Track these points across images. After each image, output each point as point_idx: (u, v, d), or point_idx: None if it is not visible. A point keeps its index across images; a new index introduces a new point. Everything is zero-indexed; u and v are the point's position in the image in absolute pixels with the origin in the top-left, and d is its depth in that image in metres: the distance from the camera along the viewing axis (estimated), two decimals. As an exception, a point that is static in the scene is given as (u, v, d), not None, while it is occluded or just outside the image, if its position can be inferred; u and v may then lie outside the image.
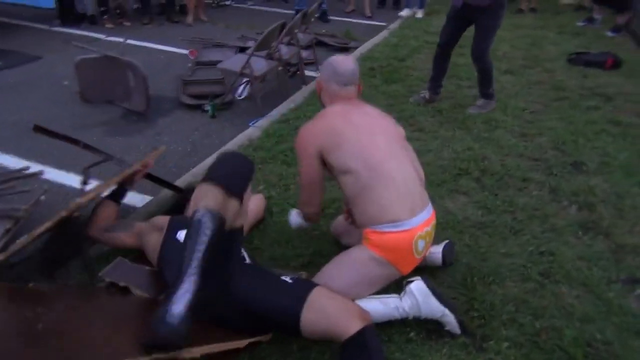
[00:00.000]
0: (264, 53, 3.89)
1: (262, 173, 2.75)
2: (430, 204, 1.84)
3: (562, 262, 2.05)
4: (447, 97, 3.91)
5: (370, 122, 1.89)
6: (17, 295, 1.59)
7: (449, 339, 1.69)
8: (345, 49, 5.68)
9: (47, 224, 1.71)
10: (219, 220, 1.40)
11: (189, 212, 1.46)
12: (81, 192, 2.15)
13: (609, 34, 5.99)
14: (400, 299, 1.73)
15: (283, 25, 3.86)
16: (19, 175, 2.77)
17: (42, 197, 2.59)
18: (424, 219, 1.75)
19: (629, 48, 5.50)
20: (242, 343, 1.48)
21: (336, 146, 1.75)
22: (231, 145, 3.18)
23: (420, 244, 1.73)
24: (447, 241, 2.00)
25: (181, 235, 1.78)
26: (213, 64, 4.91)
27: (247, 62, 3.60)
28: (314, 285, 1.58)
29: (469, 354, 1.64)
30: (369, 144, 1.77)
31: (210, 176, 1.47)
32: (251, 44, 5.56)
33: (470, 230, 2.28)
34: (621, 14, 5.98)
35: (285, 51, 4.10)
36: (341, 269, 1.76)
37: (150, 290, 1.83)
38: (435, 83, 3.80)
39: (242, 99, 4.16)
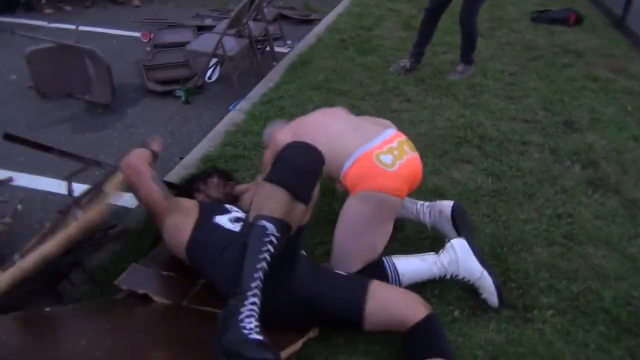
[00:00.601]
0: (232, 31, 3.66)
1: (259, 159, 2.60)
2: (390, 129, 1.88)
3: (581, 222, 2.07)
4: (425, 65, 3.83)
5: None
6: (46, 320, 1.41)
7: (494, 314, 1.66)
8: (308, 21, 5.49)
9: (54, 242, 1.52)
10: (284, 229, 1.27)
11: (251, 213, 1.32)
12: (74, 202, 1.95)
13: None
14: (439, 255, 1.75)
15: (252, 1, 3.63)
16: (-14, 185, 2.49)
17: (19, 207, 2.34)
18: (381, 139, 1.77)
19: (583, 4, 5.62)
20: (298, 345, 1.39)
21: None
22: (216, 132, 2.99)
23: (385, 158, 1.71)
24: (452, 203, 1.94)
25: (221, 220, 1.67)
26: (173, 46, 4.62)
27: (220, 42, 3.37)
28: (369, 278, 1.53)
29: (516, 327, 1.62)
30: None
31: (276, 176, 1.31)
32: (209, 21, 5.27)
33: (485, 199, 2.25)
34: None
35: (253, 27, 3.88)
36: (346, 230, 1.74)
37: (170, 295, 1.70)
38: (419, 50, 3.72)
39: (213, 81, 3.93)
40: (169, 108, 3.55)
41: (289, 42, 4.76)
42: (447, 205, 1.91)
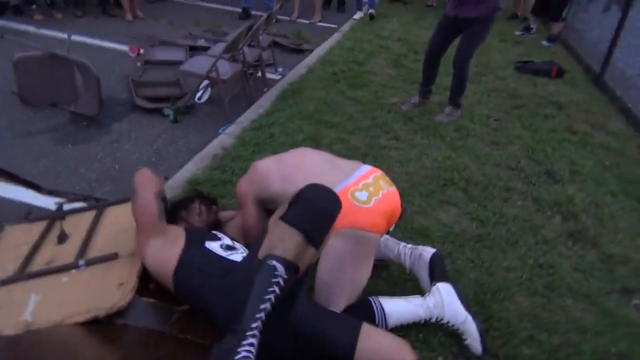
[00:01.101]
0: (226, 55, 3.68)
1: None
2: (364, 165, 1.88)
3: (561, 274, 2.11)
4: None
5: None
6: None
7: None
8: (300, 51, 5.56)
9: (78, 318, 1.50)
10: (293, 271, 1.26)
11: (262, 250, 1.30)
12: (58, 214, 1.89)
13: (545, 43, 6.38)
14: (425, 298, 1.76)
15: (250, 27, 3.67)
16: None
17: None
18: (357, 176, 1.79)
19: (565, 58, 5.88)
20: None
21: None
22: (205, 154, 2.96)
23: (360, 194, 1.72)
24: (434, 250, 1.95)
25: (211, 246, 1.69)
26: (163, 63, 4.62)
27: (214, 65, 3.38)
28: (360, 319, 1.53)
29: (498, 377, 1.62)
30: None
31: (293, 218, 1.30)
32: (202, 42, 5.29)
33: (469, 243, 2.27)
34: (555, 24, 6.38)
35: (247, 53, 3.91)
36: (328, 269, 1.72)
37: (151, 322, 1.67)
38: (425, 88, 3.84)
39: (203, 103, 3.91)
40: (157, 126, 3.51)
41: (280, 69, 4.81)
42: (428, 251, 1.92)
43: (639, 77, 4.62)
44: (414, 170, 2.90)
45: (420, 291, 1.90)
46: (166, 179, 2.75)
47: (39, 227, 2.18)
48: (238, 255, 1.67)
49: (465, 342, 1.70)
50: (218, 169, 2.75)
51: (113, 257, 1.86)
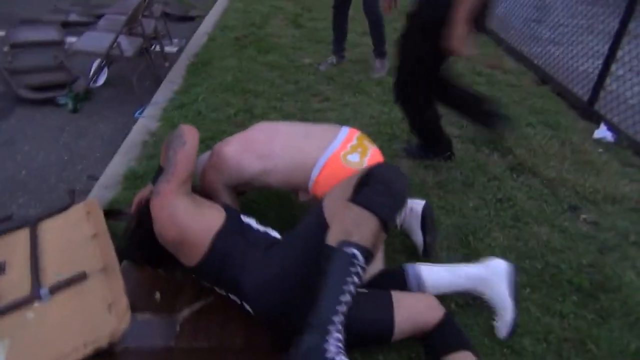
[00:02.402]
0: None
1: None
2: (343, 127, 1.87)
3: (520, 205, 2.28)
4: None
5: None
6: None
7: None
8: (189, 18, 5.14)
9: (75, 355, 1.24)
10: (369, 260, 1.16)
11: (335, 235, 1.17)
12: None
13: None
14: (469, 267, 1.68)
15: (146, -6, 3.27)
16: None
17: None
18: (341, 139, 1.78)
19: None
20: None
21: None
22: (131, 143, 2.63)
23: (352, 157, 1.73)
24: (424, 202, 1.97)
25: (247, 220, 1.59)
26: (35, 45, 3.94)
27: (115, 40, 2.96)
28: (387, 290, 1.51)
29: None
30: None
31: (369, 202, 1.19)
32: (74, 17, 4.61)
33: (433, 192, 2.35)
34: None
35: (146, 25, 3.50)
36: None
37: (157, 339, 1.48)
38: (339, 46, 3.79)
39: (100, 86, 3.45)
40: (54, 118, 3.02)
41: (175, 40, 4.41)
42: (418, 203, 1.95)
43: (515, 18, 5.04)
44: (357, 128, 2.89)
45: (410, 246, 1.94)
46: (93, 178, 2.40)
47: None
48: (274, 232, 1.58)
49: (494, 323, 1.64)
50: (155, 157, 2.46)
51: (82, 277, 1.58)
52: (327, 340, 1.04)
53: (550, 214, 2.24)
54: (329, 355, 1.01)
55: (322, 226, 1.30)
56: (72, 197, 2.06)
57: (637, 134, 2.94)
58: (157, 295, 1.63)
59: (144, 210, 1.59)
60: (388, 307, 1.45)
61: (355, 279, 1.12)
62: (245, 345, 1.47)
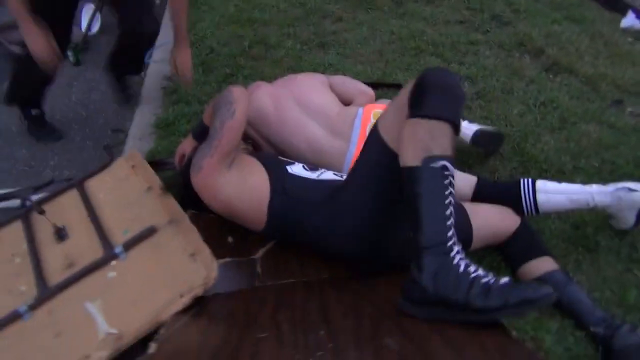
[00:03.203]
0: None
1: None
2: (357, 112, 1.75)
3: (564, 105, 2.24)
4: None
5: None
6: None
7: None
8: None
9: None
10: (454, 166, 1.12)
11: (413, 155, 1.12)
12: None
13: None
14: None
15: None
16: None
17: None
18: (358, 131, 1.70)
19: None
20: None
21: None
22: (149, 91, 2.51)
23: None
24: (493, 128, 1.97)
25: (294, 170, 1.47)
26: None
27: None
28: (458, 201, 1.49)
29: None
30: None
31: (434, 111, 1.12)
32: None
33: (474, 103, 2.29)
34: None
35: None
36: None
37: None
38: None
39: (95, 33, 3.22)
40: (58, 75, 2.84)
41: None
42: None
43: None
44: (379, 47, 2.77)
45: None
46: (120, 131, 2.30)
47: (13, 233, 1.73)
48: (328, 173, 1.49)
49: (610, 221, 1.64)
50: (181, 102, 2.34)
51: (152, 231, 1.54)
52: (453, 257, 1.02)
53: (595, 111, 2.21)
54: (461, 269, 1.00)
55: (388, 154, 1.24)
56: (111, 153, 1.97)
57: (667, 18, 2.84)
58: (230, 239, 1.61)
59: (188, 171, 1.52)
60: (464, 215, 1.43)
61: (452, 190, 1.09)
62: (333, 277, 1.47)
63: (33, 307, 1.41)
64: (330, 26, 3.04)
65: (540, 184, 1.57)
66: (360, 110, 1.75)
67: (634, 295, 1.46)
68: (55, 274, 1.51)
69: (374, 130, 1.32)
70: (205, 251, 1.42)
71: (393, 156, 1.21)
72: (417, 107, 1.14)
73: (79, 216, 1.72)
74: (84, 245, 1.59)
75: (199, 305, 1.34)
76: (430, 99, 1.14)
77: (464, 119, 1.92)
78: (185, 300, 1.31)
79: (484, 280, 0.98)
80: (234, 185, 1.40)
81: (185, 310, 1.32)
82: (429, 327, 1.03)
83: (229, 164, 1.42)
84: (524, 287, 0.97)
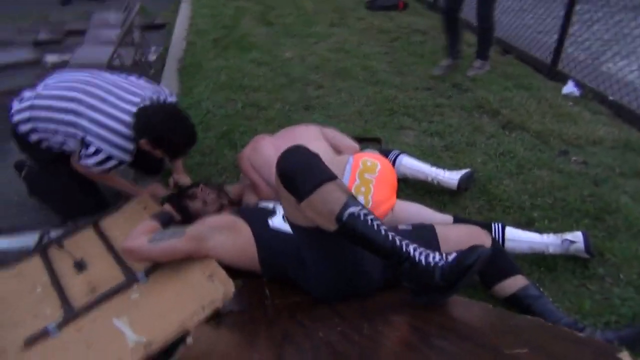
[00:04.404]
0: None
1: (225, 161, 2.50)
2: (347, 162, 1.94)
3: (520, 155, 2.59)
4: (310, 54, 4.09)
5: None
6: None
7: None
8: (155, 27, 5.19)
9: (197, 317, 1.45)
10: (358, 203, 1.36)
11: (325, 221, 1.33)
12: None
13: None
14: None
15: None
16: None
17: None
18: (347, 180, 1.87)
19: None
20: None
21: None
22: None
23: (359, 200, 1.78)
24: (467, 170, 2.28)
25: (274, 223, 1.69)
26: (10, 67, 3.90)
27: (115, 51, 3.04)
28: (430, 224, 1.72)
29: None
30: None
31: (312, 182, 1.33)
32: (44, 35, 4.57)
33: (443, 154, 2.63)
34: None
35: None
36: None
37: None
38: (454, 49, 3.68)
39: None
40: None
41: (153, 48, 4.46)
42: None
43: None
44: (358, 109, 3.13)
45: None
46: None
47: (33, 267, 1.86)
48: None
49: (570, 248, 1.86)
50: (183, 154, 2.59)
51: (169, 259, 1.73)
52: (413, 257, 1.26)
53: (546, 160, 2.57)
54: (423, 264, 1.25)
55: (311, 230, 1.43)
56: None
57: (599, 86, 3.34)
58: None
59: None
60: (434, 240, 1.63)
61: (370, 216, 1.30)
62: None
63: (61, 326, 1.54)
64: (313, 92, 3.41)
65: (509, 233, 1.88)
66: (351, 158, 1.97)
67: (589, 305, 1.71)
68: (79, 298, 1.66)
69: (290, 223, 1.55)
70: (221, 272, 1.62)
71: (314, 229, 1.41)
72: (298, 194, 1.35)
73: (97, 250, 1.89)
74: (104, 274, 1.75)
75: (218, 317, 1.52)
76: (298, 182, 1.34)
77: (443, 169, 2.27)
78: (208, 311, 1.49)
79: (440, 264, 1.24)
80: (226, 249, 1.65)
81: (207, 321, 1.49)
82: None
83: (221, 228, 1.70)
84: (464, 257, 1.23)
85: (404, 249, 1.29)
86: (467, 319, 1.15)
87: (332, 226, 1.32)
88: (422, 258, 1.27)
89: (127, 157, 1.99)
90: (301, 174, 1.35)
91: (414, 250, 1.29)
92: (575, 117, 3.01)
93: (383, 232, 1.30)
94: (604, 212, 2.16)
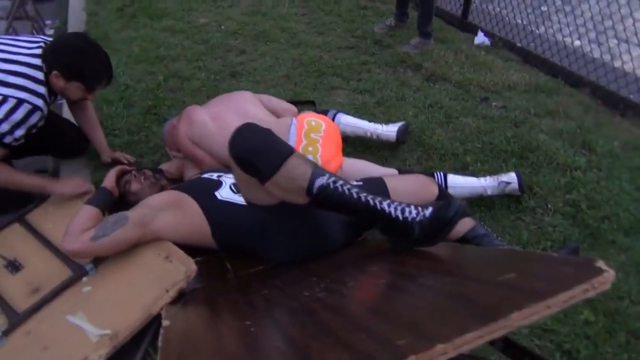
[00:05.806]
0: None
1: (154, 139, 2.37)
2: (291, 123, 1.92)
3: (446, 105, 2.72)
4: (228, 19, 3.92)
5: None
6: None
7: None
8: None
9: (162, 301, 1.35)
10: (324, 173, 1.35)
11: (294, 196, 1.32)
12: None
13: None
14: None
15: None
16: None
17: None
18: (293, 142, 1.85)
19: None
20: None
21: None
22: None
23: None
24: (402, 122, 2.35)
25: (222, 195, 1.62)
26: None
27: (10, 27, 2.70)
28: (380, 177, 1.76)
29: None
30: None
31: (273, 162, 1.28)
32: None
33: (377, 109, 2.69)
34: None
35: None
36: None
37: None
38: (401, 11, 3.73)
39: None
40: None
41: (48, 21, 4.04)
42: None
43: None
44: (285, 72, 3.08)
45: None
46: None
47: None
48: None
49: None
50: (110, 135, 2.40)
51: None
52: (389, 213, 1.28)
53: (470, 107, 2.72)
54: (400, 219, 1.27)
55: (274, 206, 1.42)
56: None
57: (507, 35, 3.56)
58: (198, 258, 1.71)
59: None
60: (385, 191, 1.66)
61: (340, 182, 1.30)
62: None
63: (7, 332, 1.42)
64: (236, 58, 3.30)
65: (451, 180, 1.98)
66: (294, 119, 1.95)
67: (526, 235, 1.88)
68: (21, 301, 1.54)
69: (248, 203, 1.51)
70: (179, 252, 1.55)
71: (276, 205, 1.40)
72: (261, 175, 1.31)
73: (31, 247, 1.74)
74: (46, 271, 1.62)
75: (183, 298, 1.47)
76: (259, 164, 1.29)
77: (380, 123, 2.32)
78: (172, 293, 1.44)
79: (419, 219, 1.28)
80: (174, 228, 1.58)
81: (173, 303, 1.43)
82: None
83: (167, 207, 1.61)
84: (442, 211, 1.27)
85: (379, 207, 1.30)
86: (442, 258, 1.20)
87: (302, 200, 1.32)
88: (399, 214, 1.29)
89: (39, 102, 1.76)
90: (259, 154, 1.29)
91: (388, 206, 1.31)
92: (490, 65, 3.20)
93: (355, 195, 1.31)
94: (527, 150, 2.34)
